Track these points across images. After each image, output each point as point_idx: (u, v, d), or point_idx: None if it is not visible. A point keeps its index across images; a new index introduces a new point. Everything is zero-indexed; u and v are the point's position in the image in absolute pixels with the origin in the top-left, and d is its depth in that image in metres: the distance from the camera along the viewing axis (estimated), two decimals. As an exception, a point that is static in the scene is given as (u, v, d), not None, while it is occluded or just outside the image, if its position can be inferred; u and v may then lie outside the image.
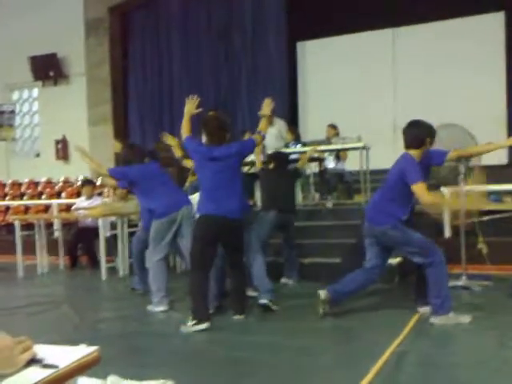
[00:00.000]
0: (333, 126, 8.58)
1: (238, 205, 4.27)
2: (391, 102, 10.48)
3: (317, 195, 8.43)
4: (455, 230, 6.40)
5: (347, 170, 8.39)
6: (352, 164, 8.09)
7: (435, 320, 3.99)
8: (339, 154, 8.34)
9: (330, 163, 8.35)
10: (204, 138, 4.52)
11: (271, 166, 6.11)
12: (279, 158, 6.24)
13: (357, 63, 10.49)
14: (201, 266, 4.20)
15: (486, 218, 6.33)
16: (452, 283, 5.27)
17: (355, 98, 10.38)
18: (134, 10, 12.35)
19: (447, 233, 6.76)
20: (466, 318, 4.03)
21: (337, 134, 8.34)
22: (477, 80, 9.61)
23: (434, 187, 6.92)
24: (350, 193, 8.30)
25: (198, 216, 4.37)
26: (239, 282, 4.48)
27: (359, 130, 7.93)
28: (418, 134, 4.23)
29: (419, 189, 3.93)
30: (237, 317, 4.38)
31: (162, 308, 4.79)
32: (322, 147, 7.63)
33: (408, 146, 4.24)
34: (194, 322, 4.01)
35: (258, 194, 8.77)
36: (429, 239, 4.17)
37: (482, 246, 5.83)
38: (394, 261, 5.73)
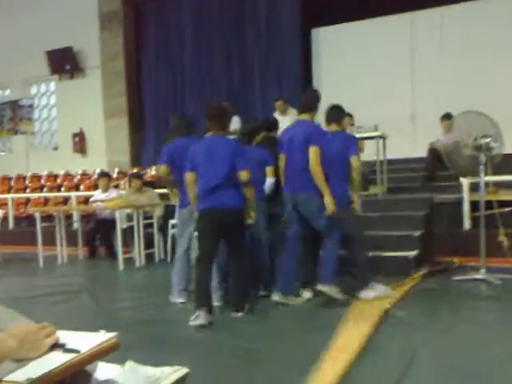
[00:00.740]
0: (349, 115, 8.48)
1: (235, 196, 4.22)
2: (409, 90, 10.28)
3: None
4: (475, 221, 6.32)
5: (363, 161, 8.33)
6: (368, 154, 8.02)
7: (323, 288, 4.34)
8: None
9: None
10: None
11: None
12: None
13: (373, 50, 10.25)
14: (202, 259, 4.22)
15: (507, 210, 6.17)
16: (471, 276, 5.24)
17: (371, 86, 10.20)
18: (147, 2, 12.36)
19: (467, 224, 6.68)
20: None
21: (352, 124, 8.27)
22: (498, 66, 9.28)
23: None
24: (365, 184, 8.25)
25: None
26: (240, 278, 4.36)
27: (375, 119, 7.84)
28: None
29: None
30: (235, 314, 4.29)
31: (180, 300, 4.81)
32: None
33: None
34: (195, 313, 3.99)
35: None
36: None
37: (502, 239, 5.63)
38: (410, 253, 5.70)
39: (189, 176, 4.35)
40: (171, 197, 5.51)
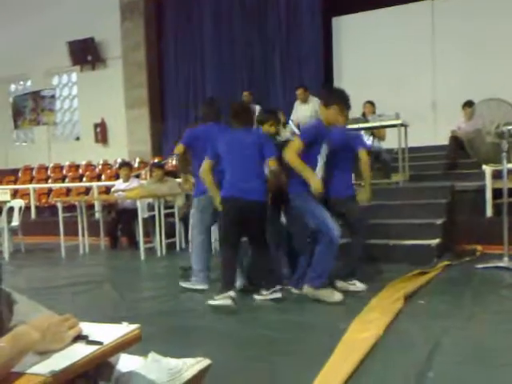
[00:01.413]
0: (371, 103, 8.41)
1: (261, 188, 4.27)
2: (430, 78, 10.19)
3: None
4: (497, 209, 6.25)
5: (384, 148, 8.25)
6: (390, 142, 7.95)
7: (305, 289, 4.25)
8: (373, 133, 8.15)
9: (367, 142, 8.19)
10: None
11: None
12: None
13: (394, 38, 10.17)
14: (227, 241, 4.30)
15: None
16: (494, 264, 5.19)
17: (392, 75, 10.13)
18: (168, -8, 12.38)
19: (489, 212, 6.61)
20: (336, 296, 4.20)
21: (374, 112, 8.21)
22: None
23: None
24: (387, 172, 8.18)
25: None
26: (261, 261, 4.41)
27: (396, 107, 7.78)
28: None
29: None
30: (257, 296, 4.36)
31: (202, 287, 4.82)
32: (360, 125, 7.54)
33: None
34: (220, 294, 4.09)
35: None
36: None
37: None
38: (433, 242, 5.66)
39: (208, 163, 4.37)
40: (182, 182, 5.46)
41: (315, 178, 4.05)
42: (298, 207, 4.31)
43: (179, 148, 4.96)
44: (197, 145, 4.84)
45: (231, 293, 4.10)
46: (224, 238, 4.37)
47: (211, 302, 4.10)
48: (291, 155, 4.07)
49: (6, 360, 1.34)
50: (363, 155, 4.68)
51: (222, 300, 4.07)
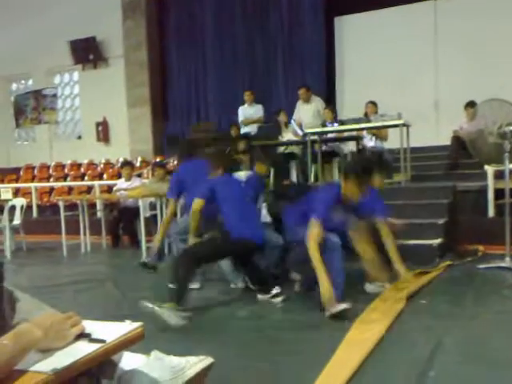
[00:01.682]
0: (373, 103, 8.41)
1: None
2: (432, 78, 10.19)
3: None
4: (499, 209, 6.25)
5: (386, 149, 8.26)
6: (392, 142, 7.95)
7: None
8: (374, 133, 8.14)
9: (369, 142, 8.20)
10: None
11: None
12: None
13: (396, 38, 10.18)
14: (204, 262, 4.30)
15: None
16: (495, 264, 5.18)
17: (395, 75, 10.14)
18: (170, -9, 12.38)
19: (491, 212, 6.60)
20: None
21: (376, 112, 8.20)
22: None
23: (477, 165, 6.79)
24: (389, 172, 8.17)
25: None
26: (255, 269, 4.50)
27: (399, 107, 7.78)
28: None
29: None
30: (260, 296, 4.37)
31: (195, 286, 4.80)
32: (362, 125, 7.54)
33: None
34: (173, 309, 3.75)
35: (293, 174, 8.78)
36: None
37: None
38: (434, 241, 5.66)
39: (199, 203, 4.37)
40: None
41: (326, 284, 3.67)
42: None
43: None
44: (184, 187, 5.05)
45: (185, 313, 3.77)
46: (205, 259, 4.23)
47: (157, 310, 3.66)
48: (313, 248, 3.78)
49: (8, 358, 1.34)
50: (383, 227, 4.39)
51: (175, 319, 3.67)
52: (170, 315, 3.61)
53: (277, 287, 4.34)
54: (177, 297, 3.79)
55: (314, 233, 3.82)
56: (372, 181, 4.15)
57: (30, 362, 1.39)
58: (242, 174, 4.68)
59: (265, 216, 5.08)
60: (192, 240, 4.40)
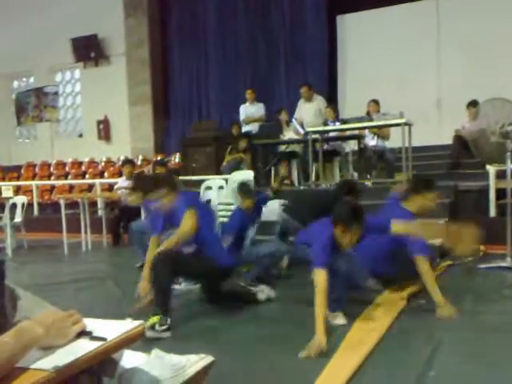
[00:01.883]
0: (376, 102, 8.39)
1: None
2: (435, 77, 10.17)
3: (355, 174, 8.32)
4: (501, 209, 6.24)
5: (388, 148, 8.25)
6: (393, 141, 7.94)
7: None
8: (376, 132, 8.12)
9: (371, 141, 8.19)
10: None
11: None
12: None
13: (399, 37, 10.17)
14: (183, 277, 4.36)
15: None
16: (496, 264, 5.18)
17: (397, 74, 10.12)
18: (172, -11, 12.38)
19: (492, 212, 6.59)
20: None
21: (378, 111, 8.19)
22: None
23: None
24: (391, 171, 8.17)
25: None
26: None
27: (401, 106, 7.76)
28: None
29: None
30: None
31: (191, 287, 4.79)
32: (363, 124, 7.53)
33: None
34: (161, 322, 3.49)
35: (294, 173, 8.78)
36: None
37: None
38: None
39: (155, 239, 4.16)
40: None
41: (321, 335, 3.05)
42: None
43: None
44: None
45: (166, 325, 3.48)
46: (185, 275, 4.18)
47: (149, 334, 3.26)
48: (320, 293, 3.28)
49: (9, 355, 1.34)
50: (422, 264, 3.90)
51: (163, 333, 3.39)
52: (153, 334, 3.32)
53: (263, 286, 4.31)
54: (161, 305, 3.57)
55: (320, 283, 3.25)
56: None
57: (32, 360, 1.39)
58: (242, 172, 4.67)
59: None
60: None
